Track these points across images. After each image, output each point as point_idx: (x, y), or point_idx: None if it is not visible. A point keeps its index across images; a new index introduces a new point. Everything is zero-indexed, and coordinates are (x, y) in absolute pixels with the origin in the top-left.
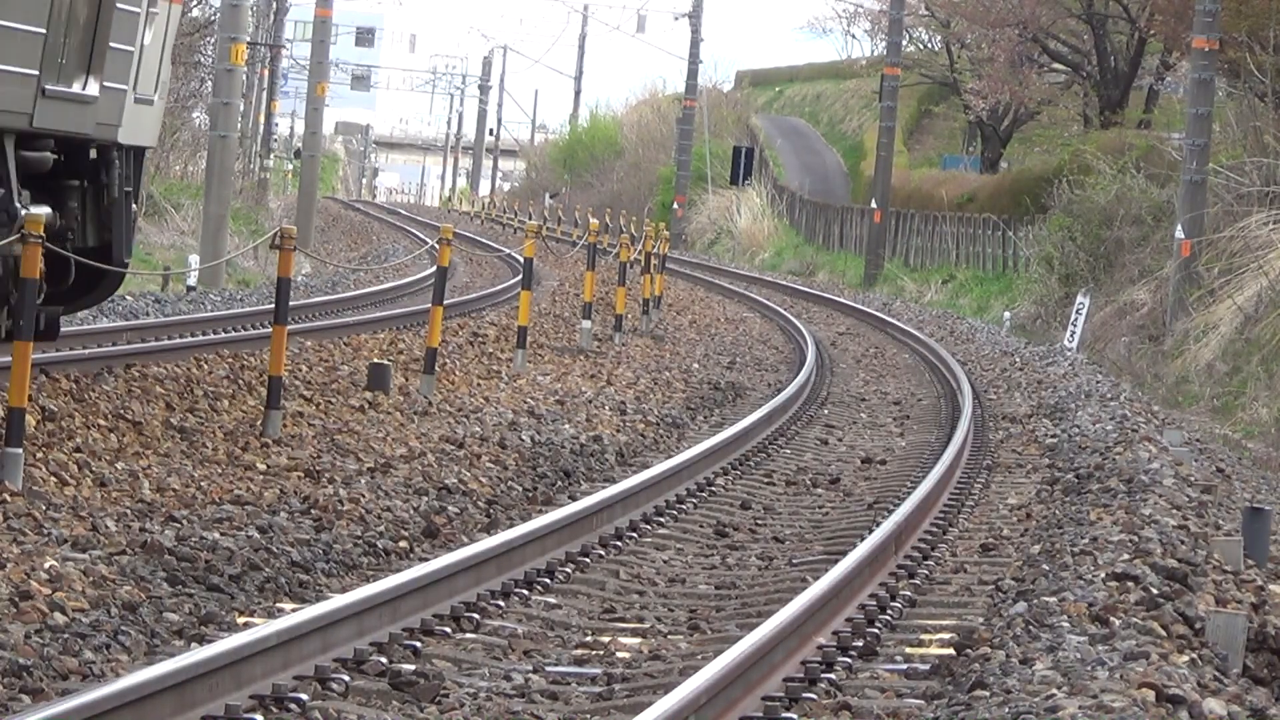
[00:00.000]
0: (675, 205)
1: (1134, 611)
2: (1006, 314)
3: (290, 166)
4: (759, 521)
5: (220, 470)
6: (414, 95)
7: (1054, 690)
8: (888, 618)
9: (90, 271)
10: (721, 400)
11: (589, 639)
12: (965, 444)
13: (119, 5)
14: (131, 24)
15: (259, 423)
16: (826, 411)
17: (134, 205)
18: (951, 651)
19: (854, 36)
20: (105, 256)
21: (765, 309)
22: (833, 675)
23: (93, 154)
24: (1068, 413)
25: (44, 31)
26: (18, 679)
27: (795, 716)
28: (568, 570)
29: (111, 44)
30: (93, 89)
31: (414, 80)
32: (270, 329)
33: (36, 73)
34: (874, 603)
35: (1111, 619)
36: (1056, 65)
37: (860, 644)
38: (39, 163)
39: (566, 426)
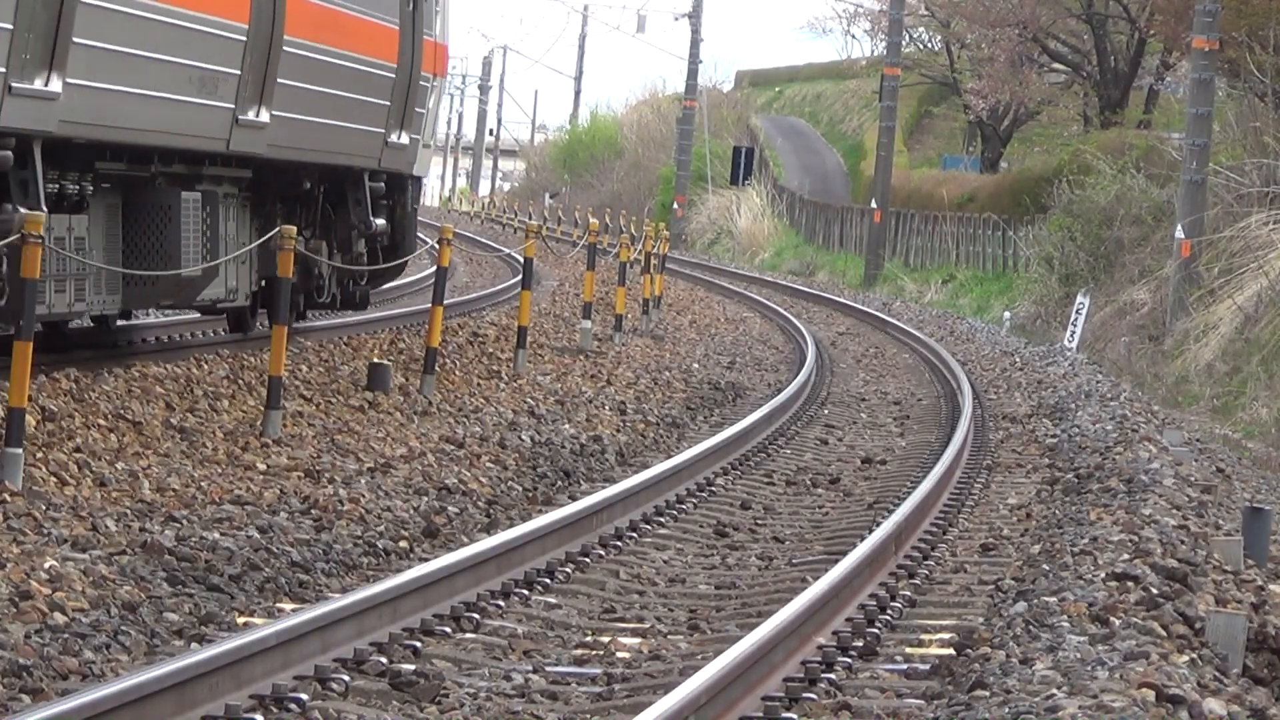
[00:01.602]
0: (675, 205)
1: (1134, 611)
2: (1006, 314)
3: None
4: (759, 521)
5: (220, 470)
6: None
7: (1054, 690)
8: (888, 618)
9: (387, 260)
10: (721, 400)
11: (589, 639)
12: (965, 444)
13: (420, 81)
14: (424, 93)
15: (259, 423)
16: (826, 411)
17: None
18: (951, 651)
19: (854, 36)
20: (396, 251)
21: (765, 309)
22: (833, 675)
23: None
24: (1068, 413)
25: (389, 103)
26: (18, 679)
27: (795, 716)
28: (568, 570)
29: (416, 108)
30: (405, 139)
31: None
32: (270, 329)
33: (383, 131)
34: (874, 603)
35: (1111, 619)
36: (1056, 65)
37: (860, 644)
38: (377, 191)
39: (566, 426)
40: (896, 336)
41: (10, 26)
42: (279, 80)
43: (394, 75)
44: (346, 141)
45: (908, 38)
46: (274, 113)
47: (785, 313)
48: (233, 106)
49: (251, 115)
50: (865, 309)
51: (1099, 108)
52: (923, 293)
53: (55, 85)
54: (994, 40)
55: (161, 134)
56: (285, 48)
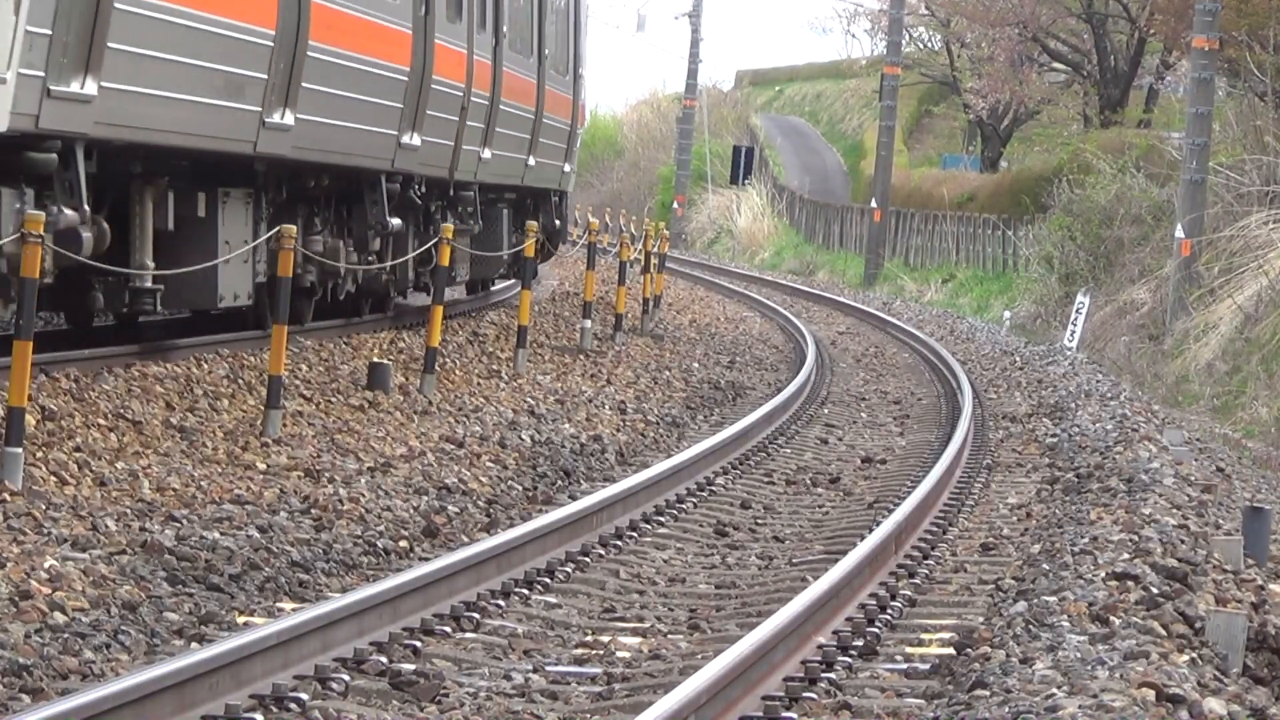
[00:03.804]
0: (675, 205)
1: (1134, 611)
2: (1006, 313)
3: None
4: (759, 521)
5: (220, 470)
6: None
7: (1054, 690)
8: (888, 617)
9: (545, 247)
10: (721, 399)
11: (589, 638)
12: (965, 443)
13: (577, 130)
14: (577, 138)
15: (259, 422)
16: (826, 411)
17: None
18: (951, 651)
19: (854, 36)
20: (553, 241)
21: (765, 308)
22: (833, 675)
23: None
24: (1068, 412)
25: (564, 146)
26: (18, 679)
27: (795, 716)
28: (568, 570)
29: (573, 148)
30: (568, 169)
31: None
32: (270, 328)
33: (561, 164)
34: (874, 602)
35: (1111, 618)
36: (1056, 65)
37: (860, 643)
38: (554, 203)
39: (566, 426)
40: (896, 336)
41: (482, 126)
42: (539, 139)
43: (567, 128)
44: (550, 172)
45: (908, 37)
46: (535, 159)
47: (785, 312)
48: (524, 157)
49: (528, 160)
50: (865, 308)
51: (1099, 107)
52: (923, 292)
53: (488, 154)
54: (994, 39)
55: (509, 176)
56: (544, 119)
